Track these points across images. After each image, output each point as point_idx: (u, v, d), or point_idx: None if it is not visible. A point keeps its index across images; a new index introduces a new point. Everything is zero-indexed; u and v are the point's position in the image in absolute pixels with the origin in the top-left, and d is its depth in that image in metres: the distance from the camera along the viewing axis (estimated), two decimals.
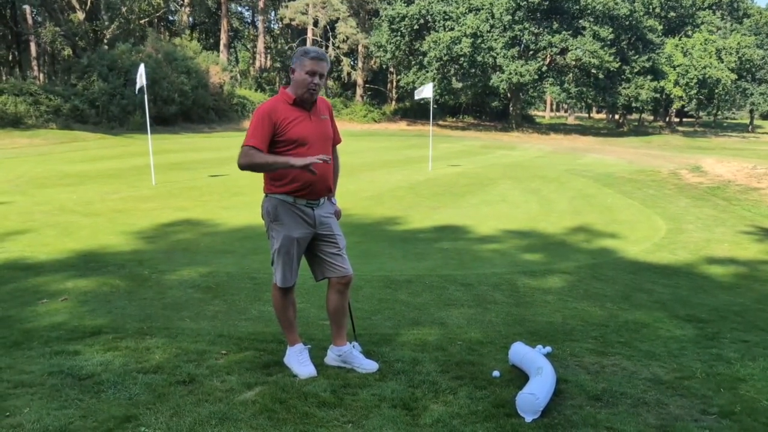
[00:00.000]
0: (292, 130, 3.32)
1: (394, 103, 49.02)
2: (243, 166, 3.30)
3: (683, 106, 49.51)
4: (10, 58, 37.88)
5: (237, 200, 10.82)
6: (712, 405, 3.32)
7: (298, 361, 3.55)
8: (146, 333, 4.17)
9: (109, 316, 4.56)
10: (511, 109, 46.39)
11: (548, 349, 4.00)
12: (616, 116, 57.73)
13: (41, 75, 38.29)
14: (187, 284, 5.52)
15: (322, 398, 3.20)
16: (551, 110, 77.69)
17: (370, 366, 3.62)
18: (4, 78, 35.58)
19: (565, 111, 76.59)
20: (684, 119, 64.07)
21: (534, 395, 3.10)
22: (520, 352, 3.74)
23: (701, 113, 59.29)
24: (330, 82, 51.31)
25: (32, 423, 2.83)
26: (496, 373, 3.61)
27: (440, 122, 44.59)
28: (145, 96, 13.04)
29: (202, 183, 12.80)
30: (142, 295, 5.14)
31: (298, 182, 3.37)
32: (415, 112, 46.47)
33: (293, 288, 3.61)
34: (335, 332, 3.70)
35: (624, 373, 3.73)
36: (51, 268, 5.97)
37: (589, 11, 37.90)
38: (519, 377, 3.56)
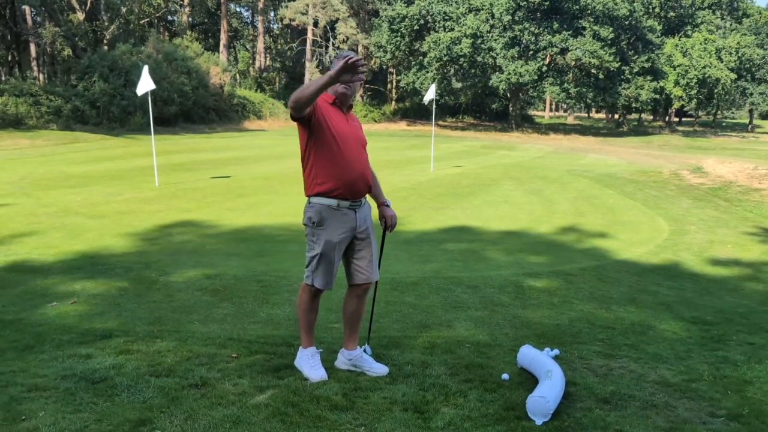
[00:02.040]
0: (332, 121, 3.38)
1: (394, 103, 49.07)
2: (292, 103, 3.19)
3: (683, 106, 49.55)
4: (10, 58, 37.84)
5: (241, 201, 10.84)
6: (719, 408, 3.36)
7: (310, 365, 3.58)
8: (157, 336, 4.19)
9: (119, 319, 4.58)
10: (510, 109, 46.42)
11: (556, 351, 4.03)
12: (616, 116, 57.76)
13: (41, 75, 38.27)
14: (194, 287, 5.54)
15: (333, 401, 3.23)
16: (550, 110, 77.71)
17: (381, 370, 3.64)
18: (3, 78, 35.57)
19: (565, 111, 76.60)
20: (683, 119, 64.11)
21: (544, 398, 3.14)
22: (529, 355, 3.77)
23: (700, 113, 59.31)
24: None
25: (48, 427, 2.85)
26: (505, 376, 3.64)
27: (440, 122, 44.61)
28: (149, 97, 13.04)
29: (205, 184, 12.81)
30: (150, 298, 5.17)
31: (340, 182, 3.39)
32: (415, 112, 46.54)
33: (321, 293, 3.62)
34: (348, 336, 3.72)
35: (632, 376, 3.76)
36: (59, 271, 5.99)
37: (589, 11, 37.94)
38: (528, 380, 3.59)
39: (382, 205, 3.72)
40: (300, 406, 3.16)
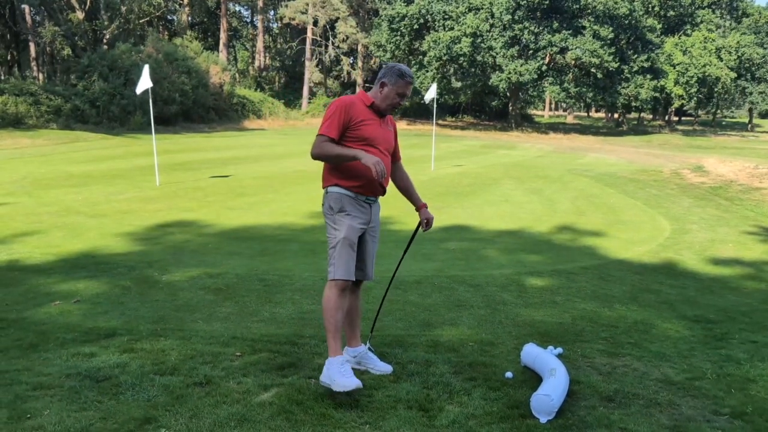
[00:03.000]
0: (363, 128, 3.42)
1: None
2: (315, 156, 3.41)
3: (682, 105, 49.55)
4: (9, 57, 37.82)
5: (242, 201, 10.84)
6: (723, 406, 3.36)
7: (341, 373, 3.24)
8: (160, 335, 4.20)
9: (123, 318, 4.58)
10: (510, 108, 46.40)
11: (559, 350, 4.03)
12: (615, 115, 57.76)
13: (40, 75, 38.26)
14: (197, 286, 5.55)
15: (338, 400, 3.23)
16: (550, 109, 77.70)
17: (385, 368, 3.65)
18: (3, 78, 35.54)
19: (564, 110, 76.59)
20: (683, 118, 64.11)
21: (549, 396, 3.14)
22: (533, 353, 3.78)
23: (700, 112, 59.30)
24: (329, 81, 51.32)
25: (53, 425, 2.86)
26: (509, 375, 3.65)
27: (440, 121, 44.61)
28: (150, 97, 13.06)
29: (206, 183, 12.81)
30: (153, 297, 5.17)
31: (362, 181, 3.43)
32: (415, 112, 46.51)
33: (348, 290, 3.51)
34: (349, 333, 3.74)
35: (635, 374, 3.77)
36: (61, 270, 5.99)
37: (588, 10, 37.92)
38: (532, 378, 3.60)
39: (422, 207, 3.79)
40: (305, 404, 3.17)
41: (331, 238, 3.48)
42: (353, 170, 3.41)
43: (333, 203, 3.48)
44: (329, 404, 3.18)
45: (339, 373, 3.25)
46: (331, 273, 3.43)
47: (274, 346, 4.01)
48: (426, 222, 3.74)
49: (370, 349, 3.78)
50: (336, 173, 3.47)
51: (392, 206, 10.65)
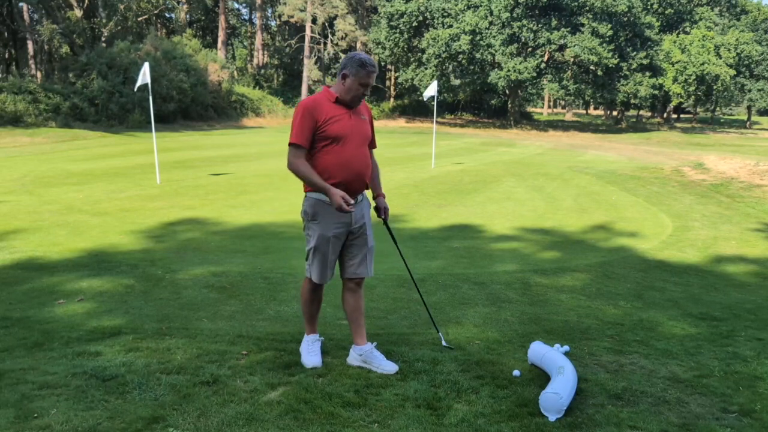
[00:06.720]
0: (331, 127, 3.41)
1: (392, 100, 49.02)
2: (291, 170, 3.47)
3: (681, 103, 49.53)
4: (7, 56, 37.71)
5: (243, 199, 10.82)
6: (732, 403, 3.35)
7: (308, 350, 3.72)
8: (165, 333, 4.18)
9: (127, 317, 4.57)
10: (509, 106, 46.36)
11: (566, 347, 4.02)
12: (614, 112, 57.75)
13: (38, 73, 38.15)
14: (201, 284, 5.53)
15: (346, 398, 3.22)
16: (549, 107, 77.66)
17: (390, 367, 3.63)
18: (1, 76, 35.42)
19: (563, 107, 76.55)
20: (681, 115, 64.10)
21: (558, 394, 3.13)
22: (540, 351, 3.76)
23: (698, 109, 59.28)
24: (328, 79, 51.23)
25: (61, 424, 2.85)
26: (516, 373, 3.64)
27: (438, 119, 44.57)
28: (150, 95, 13.04)
29: (207, 181, 12.78)
30: (157, 296, 5.15)
31: (336, 180, 3.44)
32: (414, 109, 46.51)
33: (323, 286, 3.69)
34: (354, 331, 3.75)
35: (643, 372, 3.75)
36: (64, 268, 5.97)
37: (587, 8, 37.86)
38: (540, 376, 3.59)
39: (379, 196, 3.82)
40: (312, 403, 3.15)
41: (307, 240, 3.61)
42: (328, 172, 3.42)
43: (307, 208, 3.54)
44: (337, 403, 3.16)
45: (306, 350, 3.72)
46: (308, 271, 3.65)
47: (280, 345, 3.99)
48: (384, 210, 3.83)
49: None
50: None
51: (396, 204, 10.66)
